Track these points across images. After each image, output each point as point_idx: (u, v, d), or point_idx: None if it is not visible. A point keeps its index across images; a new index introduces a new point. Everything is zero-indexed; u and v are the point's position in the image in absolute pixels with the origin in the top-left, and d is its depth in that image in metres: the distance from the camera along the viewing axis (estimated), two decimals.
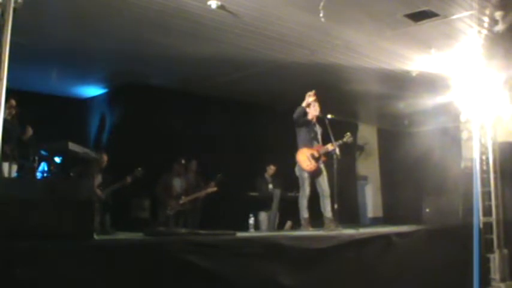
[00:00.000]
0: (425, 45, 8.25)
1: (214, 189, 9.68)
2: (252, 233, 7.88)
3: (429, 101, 10.01)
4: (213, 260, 4.81)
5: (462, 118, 8.37)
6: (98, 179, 8.51)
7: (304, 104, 7.59)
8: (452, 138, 11.63)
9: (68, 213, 4.15)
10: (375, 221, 13.52)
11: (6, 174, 6.69)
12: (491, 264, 7.65)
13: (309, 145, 7.57)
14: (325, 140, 7.65)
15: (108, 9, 6.93)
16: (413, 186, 12.43)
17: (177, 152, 9.74)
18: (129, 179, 8.73)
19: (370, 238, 6.57)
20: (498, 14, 7.04)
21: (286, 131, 7.77)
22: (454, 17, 7.18)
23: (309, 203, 7.47)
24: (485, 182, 7.94)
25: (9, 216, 3.91)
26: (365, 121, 14.41)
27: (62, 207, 4.15)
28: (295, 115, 7.52)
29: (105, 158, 8.84)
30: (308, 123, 7.63)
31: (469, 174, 8.11)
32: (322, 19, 6.81)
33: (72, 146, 6.60)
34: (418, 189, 11.79)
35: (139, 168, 8.80)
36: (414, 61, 9.00)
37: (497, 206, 7.93)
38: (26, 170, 7.31)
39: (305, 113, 7.60)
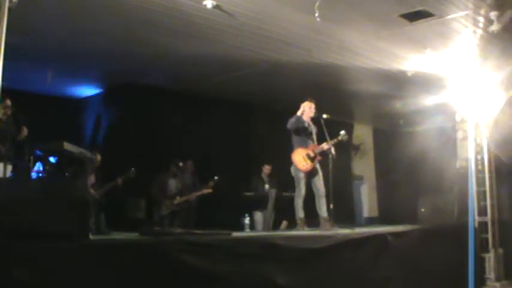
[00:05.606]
0: (420, 45, 8.26)
1: (209, 190, 9.67)
2: (247, 232, 7.90)
3: (424, 101, 10.02)
4: (208, 259, 4.81)
5: (457, 118, 8.41)
6: (92, 179, 8.49)
7: (299, 113, 7.57)
8: (448, 137, 11.66)
9: (63, 213, 4.13)
10: (371, 221, 13.50)
11: (1, 174, 6.66)
12: (487, 264, 7.70)
13: (304, 145, 7.56)
14: (321, 140, 7.65)
15: (103, 9, 6.91)
16: (409, 185, 12.43)
17: (173, 152, 9.72)
18: (119, 181, 8.74)
19: (365, 238, 6.57)
20: (493, 14, 7.05)
21: (282, 131, 7.76)
22: (449, 17, 7.19)
23: (304, 202, 7.47)
24: (480, 182, 7.98)
25: (4, 216, 3.90)
26: (360, 121, 14.41)
27: (57, 207, 4.13)
28: (288, 126, 7.50)
29: (98, 157, 8.82)
30: (303, 127, 7.61)
31: (464, 174, 8.14)
32: (318, 19, 6.80)
33: (68, 146, 6.57)
34: (414, 189, 11.79)
35: (133, 169, 8.79)
36: (409, 61, 9.01)
37: (492, 206, 7.98)
38: (21, 170, 7.27)
39: (298, 120, 7.58)
